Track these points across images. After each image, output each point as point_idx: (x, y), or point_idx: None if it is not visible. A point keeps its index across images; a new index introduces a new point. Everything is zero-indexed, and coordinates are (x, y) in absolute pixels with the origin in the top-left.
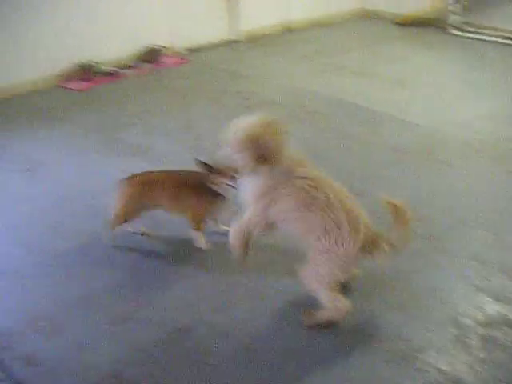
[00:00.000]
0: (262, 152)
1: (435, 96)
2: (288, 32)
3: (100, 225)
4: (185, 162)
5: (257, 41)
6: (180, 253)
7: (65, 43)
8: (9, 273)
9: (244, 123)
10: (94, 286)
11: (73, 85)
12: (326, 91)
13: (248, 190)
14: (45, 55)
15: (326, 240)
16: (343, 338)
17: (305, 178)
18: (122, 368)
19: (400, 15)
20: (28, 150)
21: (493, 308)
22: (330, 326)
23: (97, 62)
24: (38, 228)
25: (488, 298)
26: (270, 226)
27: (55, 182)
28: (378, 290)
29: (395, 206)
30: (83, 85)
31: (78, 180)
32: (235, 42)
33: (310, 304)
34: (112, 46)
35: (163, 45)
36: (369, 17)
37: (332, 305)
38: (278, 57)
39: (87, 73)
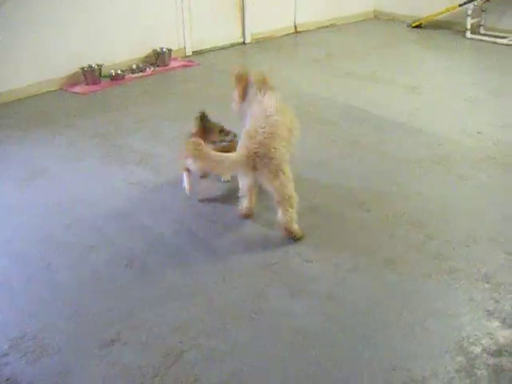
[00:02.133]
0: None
1: (447, 102)
2: (297, 35)
3: (94, 239)
4: None
5: (265, 44)
6: (174, 274)
7: (70, 46)
8: None
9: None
10: (82, 305)
11: (77, 88)
12: (334, 97)
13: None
14: (50, 58)
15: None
16: (340, 362)
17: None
18: None
19: (415, 17)
20: (28, 158)
21: (504, 334)
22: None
23: (102, 65)
24: (30, 240)
25: (498, 323)
26: None
27: (52, 191)
28: (379, 313)
29: None
30: (88, 88)
31: (75, 189)
32: (243, 44)
33: None
34: (118, 48)
35: (170, 48)
36: (382, 19)
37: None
38: (287, 61)
39: (92, 76)
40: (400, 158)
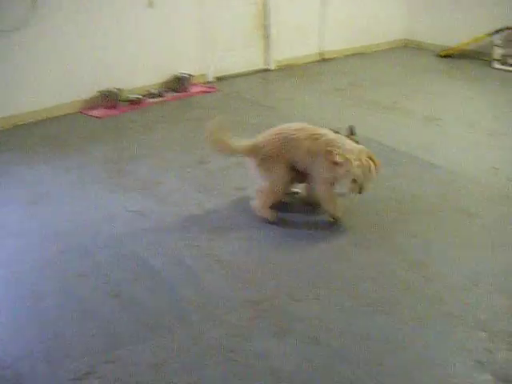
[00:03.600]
0: None
1: (465, 135)
2: (323, 62)
3: (85, 266)
4: (191, 201)
5: (289, 71)
6: (159, 308)
7: (90, 69)
8: None
9: None
10: (63, 334)
11: (95, 112)
12: None
13: None
14: (69, 81)
15: None
16: None
17: None
18: None
19: (445, 47)
20: (35, 180)
21: None
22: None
23: (121, 89)
24: (22, 265)
25: (489, 377)
26: None
27: (54, 216)
28: (361, 358)
29: None
30: (106, 112)
31: (74, 215)
32: (267, 71)
33: None
34: (139, 73)
35: (191, 73)
36: (412, 48)
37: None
38: (309, 89)
39: (111, 100)
40: (408, 194)
